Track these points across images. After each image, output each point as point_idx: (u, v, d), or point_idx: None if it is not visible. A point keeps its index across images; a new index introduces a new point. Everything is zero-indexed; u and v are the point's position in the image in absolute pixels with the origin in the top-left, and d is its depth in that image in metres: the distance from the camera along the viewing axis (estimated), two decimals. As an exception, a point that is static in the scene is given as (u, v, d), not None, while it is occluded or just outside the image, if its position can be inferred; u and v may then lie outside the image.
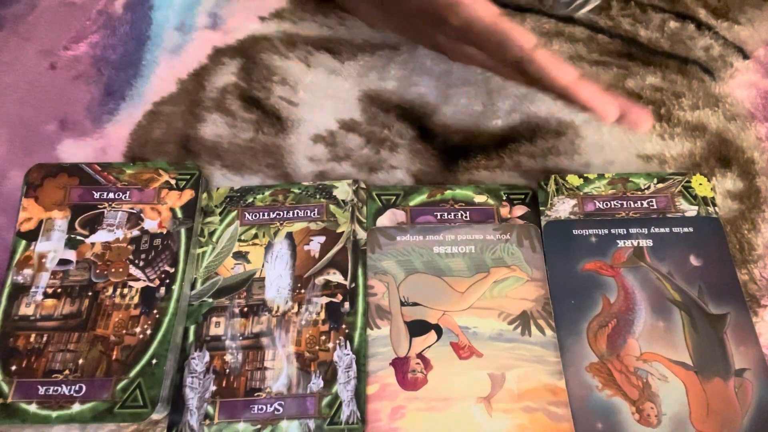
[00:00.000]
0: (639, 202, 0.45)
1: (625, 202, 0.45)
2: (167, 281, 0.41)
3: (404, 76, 0.52)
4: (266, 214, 0.44)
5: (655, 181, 0.45)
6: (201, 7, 0.57)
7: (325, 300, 0.41)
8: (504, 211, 0.45)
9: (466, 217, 0.44)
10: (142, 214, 0.43)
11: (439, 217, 0.44)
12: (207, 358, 0.39)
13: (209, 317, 0.41)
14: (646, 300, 0.41)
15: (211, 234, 0.44)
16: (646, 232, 0.43)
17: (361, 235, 0.44)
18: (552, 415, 0.37)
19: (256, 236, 0.43)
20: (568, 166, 0.47)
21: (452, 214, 0.44)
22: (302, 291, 0.41)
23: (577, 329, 0.40)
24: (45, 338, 0.39)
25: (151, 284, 0.41)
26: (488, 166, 0.48)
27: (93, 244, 0.42)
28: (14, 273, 0.41)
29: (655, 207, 0.44)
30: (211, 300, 0.41)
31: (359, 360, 0.39)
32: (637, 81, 0.51)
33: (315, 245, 0.43)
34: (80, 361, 0.38)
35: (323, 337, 0.40)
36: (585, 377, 0.38)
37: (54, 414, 0.37)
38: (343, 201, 0.45)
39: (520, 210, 0.45)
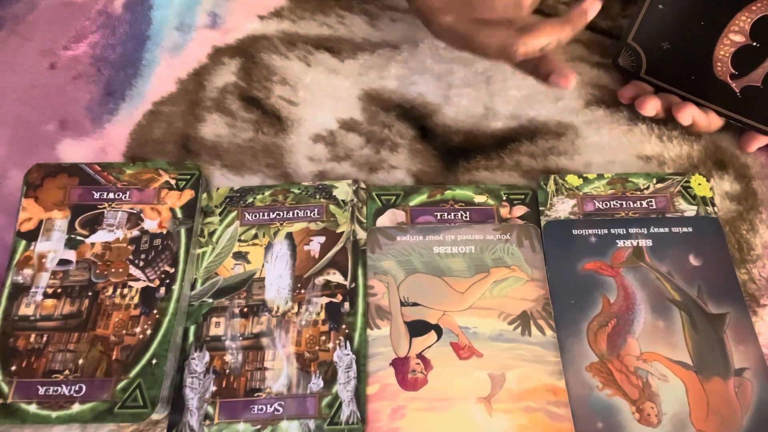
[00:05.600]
0: (638, 202, 0.45)
1: (624, 202, 0.45)
2: (167, 281, 0.41)
3: (405, 75, 0.52)
4: (266, 214, 0.44)
5: (655, 181, 0.45)
6: (200, 7, 0.57)
7: (325, 300, 0.41)
8: (504, 211, 0.45)
9: (466, 217, 0.44)
10: (142, 214, 0.43)
11: (439, 217, 0.44)
12: (207, 358, 0.39)
13: (209, 317, 0.41)
14: (646, 300, 0.41)
15: (211, 234, 0.44)
16: (646, 232, 0.43)
17: (361, 235, 0.44)
18: (552, 415, 0.37)
19: (256, 236, 0.43)
20: (568, 166, 0.47)
21: (452, 214, 0.44)
22: (302, 291, 0.41)
23: (577, 329, 0.40)
24: (45, 338, 0.39)
25: (151, 284, 0.41)
26: (488, 166, 0.48)
27: (93, 244, 0.42)
28: (14, 273, 0.41)
29: (654, 207, 0.44)
30: (211, 300, 0.41)
31: (359, 360, 0.39)
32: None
33: (315, 245, 0.43)
34: (80, 361, 0.38)
35: (323, 338, 0.40)
36: (585, 377, 0.38)
37: (54, 414, 0.37)
38: (343, 201, 0.45)
39: (520, 210, 0.45)
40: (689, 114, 0.45)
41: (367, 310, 0.41)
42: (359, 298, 0.41)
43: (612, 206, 0.44)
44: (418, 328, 0.40)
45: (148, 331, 0.39)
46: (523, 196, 0.45)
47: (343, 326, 0.40)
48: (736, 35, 0.42)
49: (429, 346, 0.40)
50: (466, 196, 0.45)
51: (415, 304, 0.41)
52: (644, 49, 0.47)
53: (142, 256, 0.42)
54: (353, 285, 0.41)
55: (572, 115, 0.50)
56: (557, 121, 0.50)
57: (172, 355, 0.39)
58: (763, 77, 0.42)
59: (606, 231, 0.43)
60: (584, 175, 0.46)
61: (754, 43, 0.42)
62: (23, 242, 0.42)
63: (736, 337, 0.39)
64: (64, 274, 0.41)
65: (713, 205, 0.44)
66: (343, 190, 0.45)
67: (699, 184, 0.45)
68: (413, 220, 0.44)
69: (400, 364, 0.39)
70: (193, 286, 0.42)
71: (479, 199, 0.45)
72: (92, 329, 0.39)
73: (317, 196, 0.45)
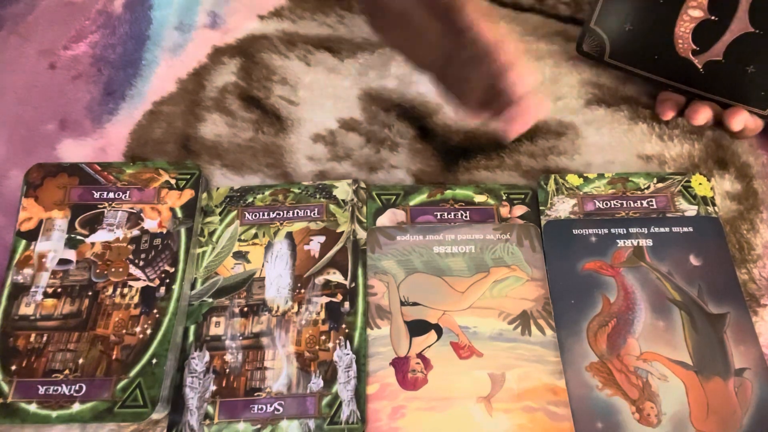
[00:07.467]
0: (639, 201, 0.45)
1: (624, 202, 0.45)
2: (167, 281, 0.41)
3: (405, 74, 0.52)
4: (266, 213, 0.44)
5: (655, 180, 0.45)
6: (200, 7, 0.57)
7: (325, 300, 0.41)
8: (504, 211, 0.45)
9: (466, 216, 0.44)
10: (142, 214, 0.43)
11: (439, 216, 0.44)
12: (207, 357, 0.39)
13: (209, 317, 0.41)
14: (646, 299, 0.41)
15: (211, 234, 0.44)
16: (646, 231, 0.43)
17: (361, 234, 0.44)
18: (552, 415, 0.37)
19: (256, 236, 0.43)
20: (568, 165, 0.47)
21: (452, 213, 0.44)
22: (302, 291, 0.41)
23: (577, 329, 0.40)
24: (45, 338, 0.39)
25: (151, 284, 0.41)
26: (488, 166, 0.48)
27: (93, 243, 0.42)
28: (14, 273, 0.41)
29: (654, 207, 0.44)
30: (211, 300, 0.41)
31: (359, 360, 0.39)
32: (638, 85, 0.51)
33: (315, 245, 0.43)
34: (80, 361, 0.38)
35: (323, 337, 0.40)
36: (585, 377, 0.38)
37: (54, 414, 0.37)
38: (343, 201, 0.45)
39: (520, 210, 0.45)
40: (742, 120, 0.44)
41: (367, 309, 0.41)
42: (359, 298, 0.41)
43: (612, 206, 0.44)
44: (418, 328, 0.40)
45: (148, 331, 0.39)
46: (523, 196, 0.45)
47: (343, 326, 0.40)
48: (694, 10, 0.42)
49: (429, 346, 0.39)
50: (466, 196, 0.45)
51: (415, 304, 0.41)
52: (607, 32, 0.47)
53: (142, 256, 0.42)
54: (353, 284, 0.41)
55: (572, 115, 0.50)
56: (557, 121, 0.50)
57: (172, 355, 0.39)
58: (723, 51, 0.43)
59: (606, 231, 0.43)
60: (584, 175, 0.46)
61: (713, 17, 0.42)
62: (23, 242, 0.42)
63: (737, 337, 0.39)
64: (64, 273, 0.41)
65: (714, 204, 0.44)
66: (343, 190, 0.45)
67: (700, 184, 0.45)
68: (413, 220, 0.44)
69: (400, 364, 0.39)
70: (193, 286, 0.42)
71: (479, 198, 0.45)
72: (92, 329, 0.39)
73: (317, 196, 0.45)
